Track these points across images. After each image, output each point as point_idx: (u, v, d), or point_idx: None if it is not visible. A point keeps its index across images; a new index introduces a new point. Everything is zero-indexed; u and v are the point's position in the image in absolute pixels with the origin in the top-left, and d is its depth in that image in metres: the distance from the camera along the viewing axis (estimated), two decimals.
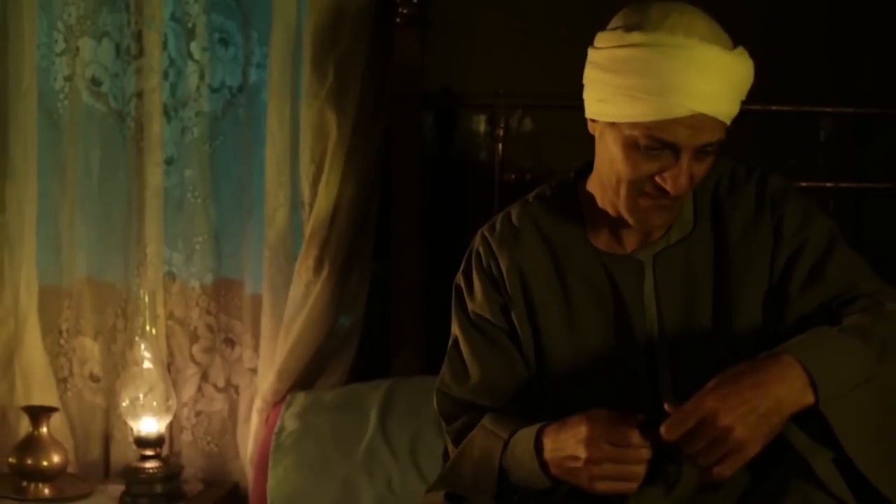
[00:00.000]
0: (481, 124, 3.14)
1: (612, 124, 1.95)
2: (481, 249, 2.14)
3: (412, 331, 3.03)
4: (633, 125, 1.91)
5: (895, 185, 3.02)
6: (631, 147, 1.93)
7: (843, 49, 3.11)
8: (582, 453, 1.84)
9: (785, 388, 1.78)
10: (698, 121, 1.89)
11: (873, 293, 1.95)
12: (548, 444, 1.91)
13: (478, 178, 3.11)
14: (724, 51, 1.91)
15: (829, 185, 3.00)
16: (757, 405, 1.76)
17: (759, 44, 3.04)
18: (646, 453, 1.83)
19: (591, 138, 2.05)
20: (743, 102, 3.06)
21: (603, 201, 2.06)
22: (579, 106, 2.07)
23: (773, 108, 2.99)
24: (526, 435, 1.94)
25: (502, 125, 3.07)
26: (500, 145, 3.07)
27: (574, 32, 2.92)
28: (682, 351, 1.99)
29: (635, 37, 1.90)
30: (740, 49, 1.95)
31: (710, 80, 1.88)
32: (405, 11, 2.96)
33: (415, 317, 3.03)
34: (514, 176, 3.05)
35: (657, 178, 1.92)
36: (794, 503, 1.90)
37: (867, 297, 1.93)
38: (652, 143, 1.90)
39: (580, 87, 2.04)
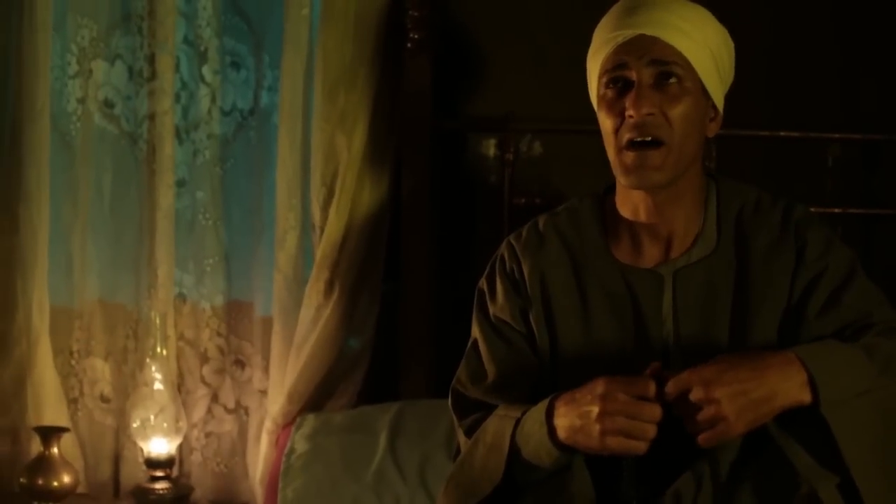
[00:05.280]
0: (491, 148, 3.15)
1: (598, 93, 2.05)
2: (506, 254, 2.17)
3: (421, 353, 3.03)
4: (600, 77, 2.03)
5: None
6: (604, 100, 2.03)
7: (850, 74, 3.12)
8: (596, 406, 1.86)
9: (782, 381, 1.84)
10: (641, 40, 1.98)
11: (887, 321, 1.98)
12: (560, 406, 1.93)
13: (487, 202, 3.12)
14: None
15: (836, 210, 3.00)
16: (749, 388, 1.82)
17: (767, 70, 3.09)
18: (658, 412, 1.86)
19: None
20: (750, 128, 3.07)
21: (622, 205, 2.10)
22: (589, 130, 2.10)
23: (781, 133, 3.01)
24: (538, 407, 1.97)
25: (512, 149, 3.08)
26: (510, 169, 3.08)
27: (584, 58, 2.93)
28: (696, 365, 2.01)
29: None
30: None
31: (656, 11, 1.98)
32: (416, 36, 2.97)
33: (424, 339, 3.04)
34: (523, 200, 3.06)
35: (626, 115, 1.98)
36: None
37: (881, 325, 1.97)
38: (611, 77, 2.00)
39: (590, 111, 2.06)
